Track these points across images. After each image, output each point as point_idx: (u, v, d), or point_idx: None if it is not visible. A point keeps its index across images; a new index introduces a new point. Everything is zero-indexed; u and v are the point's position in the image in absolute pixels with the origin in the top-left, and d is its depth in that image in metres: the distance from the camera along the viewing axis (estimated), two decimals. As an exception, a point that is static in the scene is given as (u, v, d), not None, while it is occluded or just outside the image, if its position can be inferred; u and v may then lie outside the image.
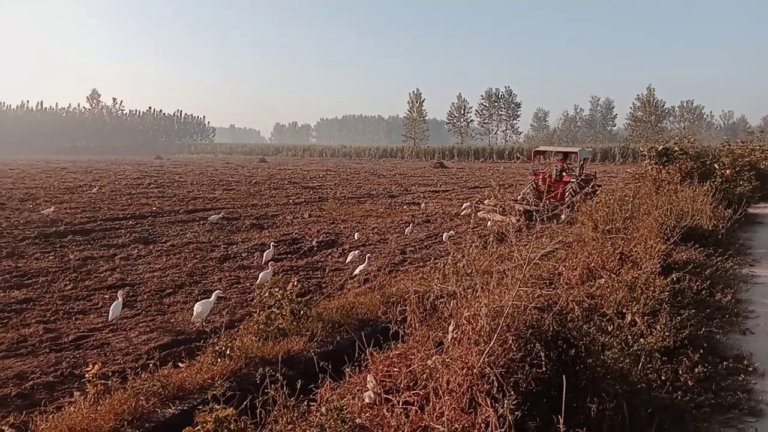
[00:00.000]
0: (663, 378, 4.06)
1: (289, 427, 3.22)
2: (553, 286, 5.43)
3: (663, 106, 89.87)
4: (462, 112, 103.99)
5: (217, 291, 7.91)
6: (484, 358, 3.04)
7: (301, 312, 5.65)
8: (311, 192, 26.50)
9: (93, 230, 14.69)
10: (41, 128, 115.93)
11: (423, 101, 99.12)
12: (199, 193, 24.73)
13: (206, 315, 7.30)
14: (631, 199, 8.86)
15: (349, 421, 3.07)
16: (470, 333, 3.25)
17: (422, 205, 21.28)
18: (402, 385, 3.41)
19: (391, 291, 6.57)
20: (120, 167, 46.16)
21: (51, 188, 25.34)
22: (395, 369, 3.61)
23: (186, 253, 12.13)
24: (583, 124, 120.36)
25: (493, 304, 3.31)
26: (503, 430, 2.77)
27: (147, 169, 43.27)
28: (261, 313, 5.59)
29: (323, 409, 3.16)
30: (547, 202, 16.28)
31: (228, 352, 4.78)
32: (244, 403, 3.35)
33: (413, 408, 3.18)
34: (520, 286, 3.41)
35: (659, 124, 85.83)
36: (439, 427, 2.96)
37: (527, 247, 3.92)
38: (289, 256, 12.15)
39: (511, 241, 4.14)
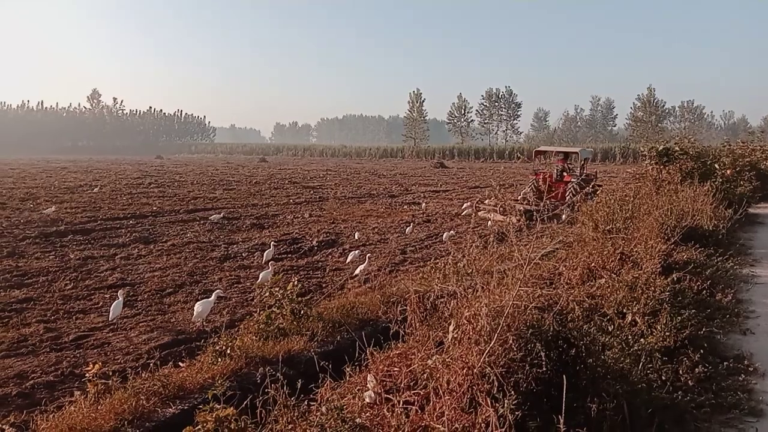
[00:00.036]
0: (663, 378, 4.06)
1: (290, 426, 3.21)
2: (553, 286, 5.43)
3: (663, 106, 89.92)
4: (462, 112, 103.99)
5: (218, 290, 7.92)
6: (484, 358, 3.04)
7: (302, 312, 5.65)
8: (312, 192, 26.50)
9: (93, 230, 14.70)
10: (42, 128, 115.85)
11: (423, 101, 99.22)
12: (199, 193, 24.74)
13: (206, 314, 7.30)
14: (632, 199, 8.85)
15: (349, 420, 3.07)
16: (471, 333, 3.25)
17: (423, 205, 21.28)
18: (402, 385, 3.41)
19: (392, 291, 6.58)
20: (120, 167, 46.17)
21: (51, 188, 25.35)
22: (395, 369, 3.61)
23: (186, 252, 12.13)
24: (584, 124, 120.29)
25: (493, 304, 3.31)
26: (503, 429, 2.77)
27: (147, 169, 43.27)
28: (261, 312, 5.59)
29: (323, 409, 3.16)
30: (548, 201, 16.27)
31: (228, 351, 4.78)
32: (245, 402, 3.35)
33: (413, 408, 3.18)
34: (520, 286, 3.41)
35: (660, 124, 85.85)
36: (440, 426, 2.96)
37: (528, 247, 3.92)
38: (290, 255, 12.15)
39: (511, 241, 4.14)
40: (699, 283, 6.36)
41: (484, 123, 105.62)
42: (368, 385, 3.50)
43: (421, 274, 5.84)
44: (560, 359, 3.26)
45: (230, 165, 54.52)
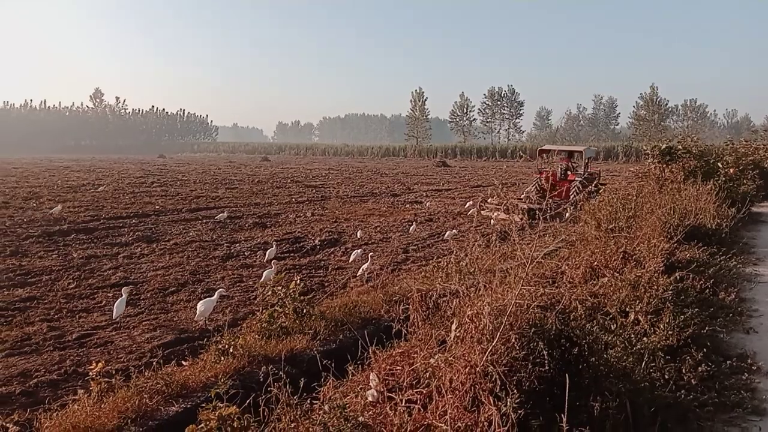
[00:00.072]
0: (666, 377, 4.05)
1: (292, 425, 3.22)
2: (556, 284, 5.43)
3: (666, 104, 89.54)
4: (465, 110, 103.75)
5: (220, 289, 7.93)
6: (486, 357, 3.04)
7: (304, 310, 5.66)
8: (314, 191, 26.51)
9: (96, 229, 14.74)
10: (44, 127, 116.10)
11: (425, 100, 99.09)
12: (202, 192, 24.77)
13: (209, 313, 7.32)
14: (635, 197, 8.83)
15: (352, 419, 3.07)
16: (473, 331, 3.25)
17: (425, 204, 21.27)
18: (405, 384, 3.41)
19: (394, 290, 6.58)
20: (123, 166, 46.26)
21: (54, 187, 25.41)
22: (398, 367, 3.61)
23: (189, 251, 12.15)
24: (586, 123, 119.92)
25: (496, 303, 3.31)
26: (506, 428, 2.77)
27: (150, 168, 43.36)
28: (264, 311, 5.60)
29: (326, 407, 3.16)
30: (551, 200, 16.25)
31: (231, 350, 4.79)
32: (248, 401, 3.36)
33: (416, 406, 3.18)
34: (523, 285, 3.41)
35: (662, 123, 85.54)
36: (442, 425, 2.96)
37: (530, 245, 3.92)
38: (292, 254, 12.16)
39: (514, 240, 4.14)
40: (702, 281, 6.35)
41: (487, 122, 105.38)
42: (371, 384, 3.50)
43: (423, 273, 5.83)
44: (563, 358, 3.26)
45: (233, 164, 54.58)
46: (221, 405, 3.22)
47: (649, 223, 7.85)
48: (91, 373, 4.20)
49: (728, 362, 4.69)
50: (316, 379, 3.74)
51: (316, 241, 13.36)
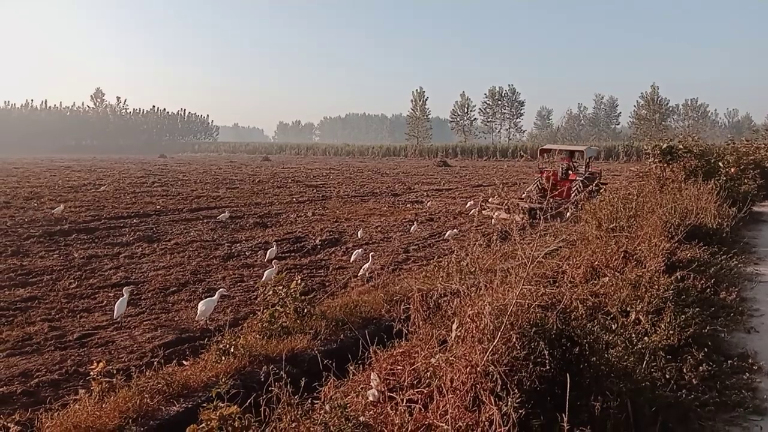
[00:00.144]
0: (667, 376, 4.05)
1: (293, 424, 3.22)
2: (557, 284, 5.42)
3: (667, 104, 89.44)
4: (465, 110, 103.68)
5: (221, 289, 7.94)
6: (487, 356, 3.03)
7: (305, 310, 5.66)
8: (315, 190, 26.52)
9: (97, 229, 14.76)
10: (45, 127, 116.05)
11: (426, 100, 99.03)
12: (202, 192, 24.79)
13: (210, 313, 7.32)
14: (635, 197, 8.82)
15: (353, 419, 3.07)
16: (474, 331, 3.25)
17: (426, 203, 21.27)
18: (406, 383, 3.41)
19: (395, 289, 6.58)
20: (124, 166, 46.30)
21: (55, 187, 25.44)
22: (399, 367, 3.61)
23: (190, 251, 12.16)
24: (587, 123, 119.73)
25: (496, 303, 3.31)
26: (507, 428, 2.77)
27: (151, 168, 43.39)
28: (265, 311, 5.60)
29: (327, 407, 3.16)
30: (552, 200, 16.25)
31: (232, 350, 4.79)
32: (249, 400, 3.36)
33: (417, 406, 3.18)
34: (523, 285, 3.41)
35: (663, 123, 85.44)
36: (443, 425, 2.96)
37: (531, 245, 3.92)
38: (293, 254, 12.17)
39: (514, 240, 4.13)
40: (703, 281, 6.34)
41: (488, 121, 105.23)
42: (371, 384, 3.50)
43: (424, 273, 5.83)
44: (564, 357, 3.26)
45: (233, 164, 54.60)
46: (222, 405, 3.22)
47: (650, 222, 7.84)
48: (92, 373, 4.20)
49: (729, 362, 4.67)
50: (317, 378, 3.75)
51: (317, 241, 13.37)
